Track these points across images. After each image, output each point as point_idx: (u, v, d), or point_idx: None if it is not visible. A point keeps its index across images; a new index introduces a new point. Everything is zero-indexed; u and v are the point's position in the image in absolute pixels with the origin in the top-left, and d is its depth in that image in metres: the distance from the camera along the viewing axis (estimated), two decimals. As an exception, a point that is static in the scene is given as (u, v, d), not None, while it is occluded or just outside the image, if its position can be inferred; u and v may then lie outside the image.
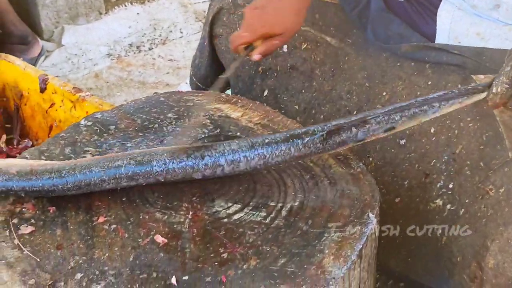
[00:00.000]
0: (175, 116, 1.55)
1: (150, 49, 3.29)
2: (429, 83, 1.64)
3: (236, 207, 1.32)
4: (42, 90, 2.03)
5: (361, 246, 1.23)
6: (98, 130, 1.52)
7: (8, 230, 1.29)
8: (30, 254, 1.24)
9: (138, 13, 3.50)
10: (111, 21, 3.40)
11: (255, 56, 1.52)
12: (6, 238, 1.27)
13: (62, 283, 1.18)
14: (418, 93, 1.65)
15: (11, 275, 1.19)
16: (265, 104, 1.63)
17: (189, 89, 2.76)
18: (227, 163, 1.32)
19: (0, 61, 2.11)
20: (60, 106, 2.01)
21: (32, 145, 2.22)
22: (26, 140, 2.22)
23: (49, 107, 2.05)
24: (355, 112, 1.76)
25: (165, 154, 1.31)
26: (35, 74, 2.04)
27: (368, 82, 1.74)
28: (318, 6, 1.88)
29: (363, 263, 1.27)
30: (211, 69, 2.07)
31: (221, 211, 1.32)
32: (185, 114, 1.56)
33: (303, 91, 1.85)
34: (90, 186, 1.31)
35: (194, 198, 1.34)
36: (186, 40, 3.32)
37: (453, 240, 1.47)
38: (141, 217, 1.31)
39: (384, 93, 1.70)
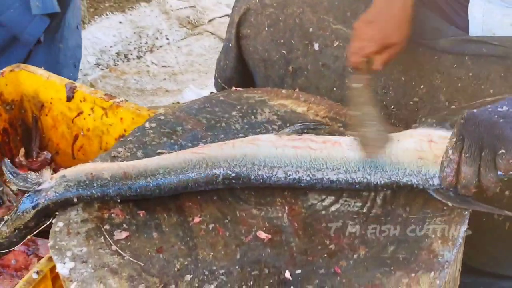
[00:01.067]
0: (240, 114, 1.54)
1: (138, 57, 3.24)
2: (470, 74, 1.66)
3: (330, 199, 1.32)
4: (70, 98, 1.97)
5: (464, 229, 1.25)
6: (166, 132, 1.49)
7: (102, 237, 1.25)
8: (132, 259, 1.21)
9: (120, 22, 3.44)
10: (94, 30, 3.34)
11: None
12: (102, 245, 1.23)
13: (173, 286, 1.16)
14: (459, 85, 1.67)
15: (119, 281, 1.16)
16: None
17: (195, 92, 2.75)
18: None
19: (19, 71, 2.03)
20: (89, 114, 1.96)
21: (52, 157, 2.16)
22: (45, 152, 2.15)
23: (76, 116, 1.99)
24: (392, 107, 1.77)
25: (263, 169, 1.31)
26: (60, 82, 1.98)
27: (404, 77, 1.74)
28: (349, 3, 1.89)
29: (462, 246, 1.28)
30: (236, 70, 2.05)
31: (316, 203, 1.31)
32: (249, 111, 1.54)
33: (334, 89, 1.84)
34: (187, 188, 1.31)
35: (286, 193, 1.33)
36: (175, 46, 3.29)
37: None
38: (238, 215, 1.29)
39: (422, 86, 1.71)
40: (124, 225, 1.27)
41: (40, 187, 1.31)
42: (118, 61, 3.20)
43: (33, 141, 2.14)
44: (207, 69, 3.07)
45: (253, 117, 1.52)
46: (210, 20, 3.51)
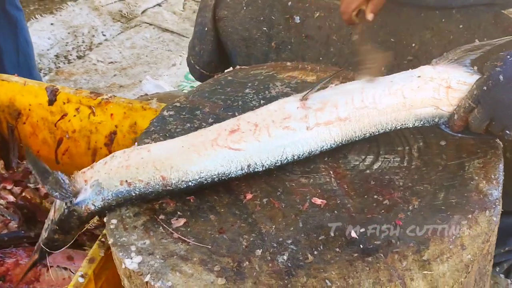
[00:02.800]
0: (253, 91, 1.55)
1: (79, 57, 3.17)
2: (461, 26, 1.72)
3: (370, 158, 1.36)
4: (52, 102, 1.92)
5: (502, 167, 1.32)
6: (186, 117, 1.49)
7: (160, 227, 1.24)
8: (198, 244, 1.20)
9: (52, 24, 3.35)
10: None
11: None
12: (163, 235, 1.23)
13: (247, 262, 1.17)
14: (451, 37, 1.73)
15: (193, 267, 1.16)
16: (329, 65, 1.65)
17: (153, 84, 2.72)
18: None
19: (-11, 81, 1.96)
20: (74, 116, 1.92)
21: (32, 166, 2.09)
22: (25, 162, 2.08)
23: (59, 119, 1.94)
24: (383, 69, 1.80)
25: (302, 156, 1.34)
26: (39, 86, 1.92)
27: (392, 38, 1.79)
28: None
29: (501, 184, 1.35)
30: (215, 54, 2.05)
31: (359, 164, 1.35)
32: (262, 87, 1.56)
33: (320, 58, 1.88)
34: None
35: (326, 159, 1.36)
36: (117, 41, 3.23)
37: None
38: (288, 186, 1.31)
39: (413, 44, 1.76)
40: (179, 213, 1.27)
41: (78, 200, 1.28)
42: (59, 63, 3.12)
43: (11, 152, 2.07)
44: (155, 60, 3.05)
45: (267, 92, 1.54)
46: (144, 11, 3.47)
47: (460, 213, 1.23)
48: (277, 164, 1.32)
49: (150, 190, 1.27)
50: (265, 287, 1.12)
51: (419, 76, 1.36)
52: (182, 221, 1.25)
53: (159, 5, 3.52)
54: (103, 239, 1.43)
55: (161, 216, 1.26)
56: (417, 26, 1.75)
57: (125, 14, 3.44)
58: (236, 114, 1.48)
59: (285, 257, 1.17)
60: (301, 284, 1.12)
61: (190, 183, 1.28)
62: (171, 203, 1.28)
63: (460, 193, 1.26)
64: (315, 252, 1.18)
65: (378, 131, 1.36)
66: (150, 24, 3.36)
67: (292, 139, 1.32)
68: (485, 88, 1.25)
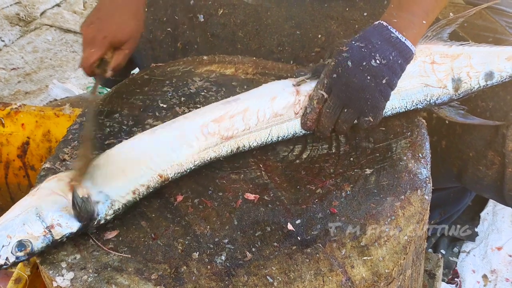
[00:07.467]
0: (172, 89, 1.50)
1: (-22, 66, 3.01)
2: (365, 14, 1.72)
3: (298, 147, 1.35)
4: (-46, 119, 1.80)
5: (429, 145, 1.33)
6: (105, 122, 1.42)
7: (90, 240, 1.18)
8: (131, 254, 1.15)
9: None
10: None
11: (108, 73, 1.43)
12: (94, 247, 1.17)
13: (185, 267, 1.13)
14: (356, 26, 1.73)
15: (129, 277, 1.11)
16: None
17: (61, 88, 2.62)
18: None
19: None
20: (-18, 129, 1.81)
21: None
22: None
23: (-35, 136, 1.83)
24: (291, 62, 1.80)
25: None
26: None
27: (298, 30, 1.78)
28: None
29: (429, 162, 1.36)
30: None
31: (287, 155, 1.33)
32: (180, 84, 1.52)
33: None
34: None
35: (255, 152, 1.34)
36: (16, 46, 3.09)
37: (457, 140, 1.59)
38: (219, 183, 1.27)
39: (319, 35, 1.76)
40: (109, 224, 1.21)
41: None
42: (-44, 75, 2.95)
43: None
44: (60, 63, 2.94)
45: (186, 88, 1.50)
46: (42, 13, 3.33)
47: (392, 195, 1.23)
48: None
49: (151, 191, 1.24)
50: (206, 291, 1.09)
51: None
52: (114, 232, 1.19)
53: (58, 5, 3.39)
54: (27, 257, 1.35)
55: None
56: (321, 17, 1.74)
57: (22, 17, 3.29)
58: (156, 113, 1.44)
59: (223, 258, 1.14)
60: (242, 283, 1.10)
61: (185, 173, 1.27)
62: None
63: (390, 174, 1.27)
64: (253, 249, 1.15)
65: None
66: (51, 26, 3.22)
67: (279, 122, 1.33)
68: (335, 75, 1.26)
